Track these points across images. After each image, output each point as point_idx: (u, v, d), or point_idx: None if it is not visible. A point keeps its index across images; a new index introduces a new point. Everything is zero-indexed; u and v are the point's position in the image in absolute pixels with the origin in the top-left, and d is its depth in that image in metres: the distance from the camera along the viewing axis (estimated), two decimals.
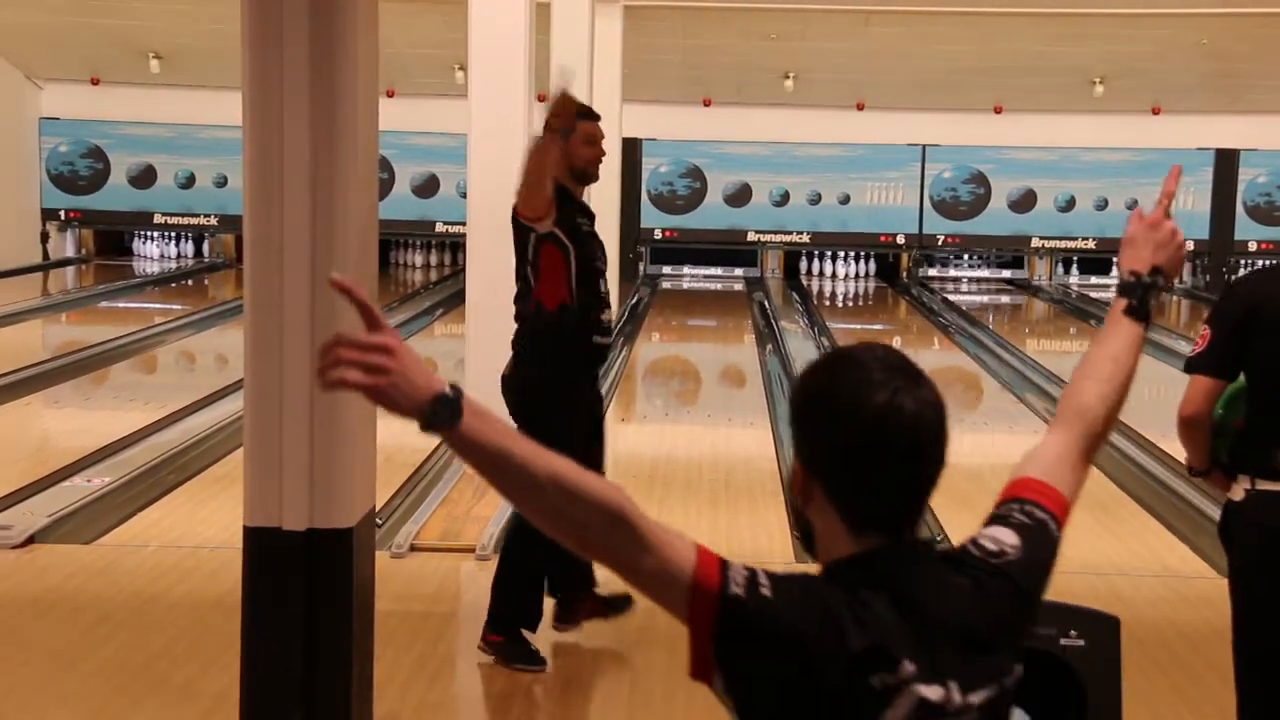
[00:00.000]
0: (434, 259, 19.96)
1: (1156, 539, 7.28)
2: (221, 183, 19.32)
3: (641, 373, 12.64)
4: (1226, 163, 19.20)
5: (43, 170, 19.30)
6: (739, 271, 19.93)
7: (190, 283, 18.75)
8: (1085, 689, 2.84)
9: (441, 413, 1.69)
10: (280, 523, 3.95)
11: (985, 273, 20.32)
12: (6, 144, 18.63)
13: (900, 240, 19.64)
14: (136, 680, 5.11)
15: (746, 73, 18.24)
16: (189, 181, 19.50)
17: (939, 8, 15.99)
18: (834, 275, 20.01)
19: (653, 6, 16.07)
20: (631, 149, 18.08)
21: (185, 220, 19.65)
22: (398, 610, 5.75)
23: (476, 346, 8.12)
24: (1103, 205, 19.31)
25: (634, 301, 16.60)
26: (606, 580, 5.39)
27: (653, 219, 19.55)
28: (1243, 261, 19.15)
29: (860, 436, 1.79)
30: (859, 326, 16.36)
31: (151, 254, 20.08)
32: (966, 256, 20.21)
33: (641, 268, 19.60)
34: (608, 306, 5.43)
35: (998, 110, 19.00)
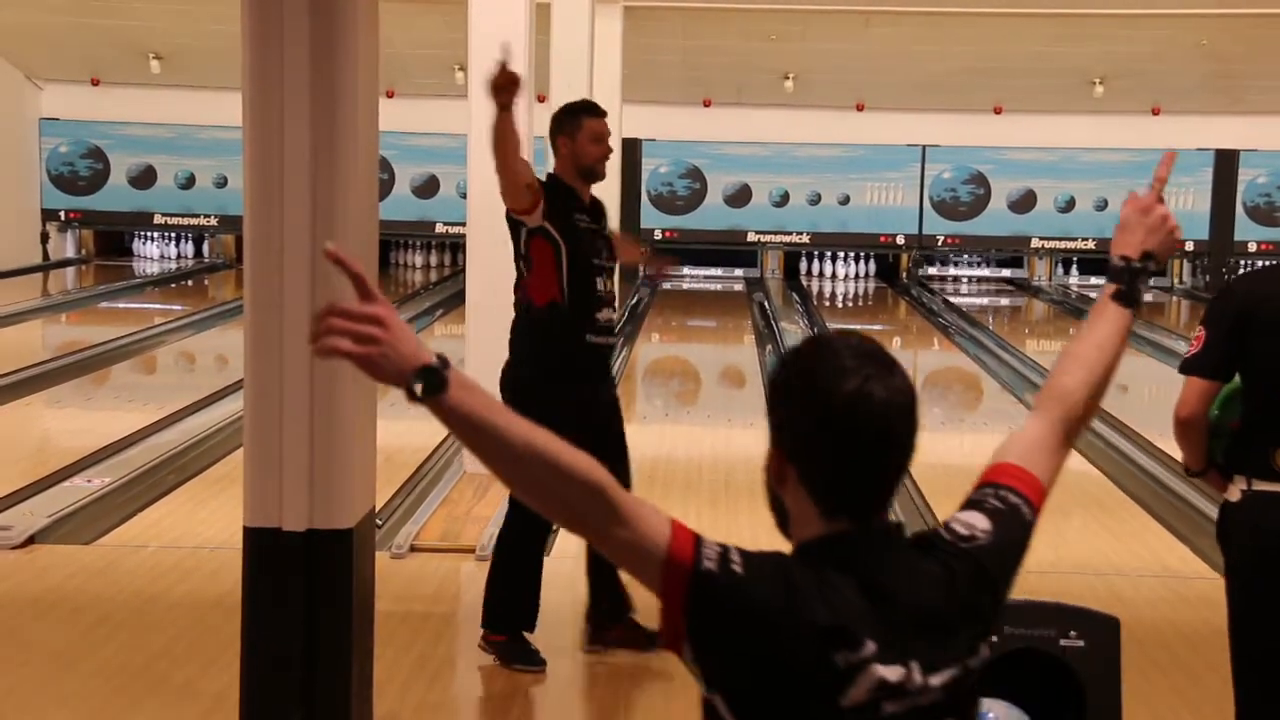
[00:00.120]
0: (434, 259, 19.95)
1: (1156, 539, 7.29)
2: (221, 183, 19.32)
3: (641, 373, 12.64)
4: (1226, 163, 19.20)
5: (43, 171, 19.30)
6: (739, 272, 19.93)
7: (190, 283, 18.75)
8: (1085, 689, 2.85)
9: (428, 383, 1.72)
10: (280, 523, 3.94)
11: (985, 272, 20.33)
12: (6, 144, 18.63)
13: (900, 241, 19.64)
14: (136, 680, 5.11)
15: (746, 73, 18.24)
16: (189, 182, 19.50)
17: (939, 8, 15.99)
18: (834, 276, 20.01)
19: (653, 7, 16.06)
20: (631, 149, 18.08)
21: (185, 221, 19.66)
22: (398, 610, 5.75)
23: (476, 346, 8.11)
24: (1102, 206, 19.30)
25: (634, 302, 16.60)
26: (645, 607, 5.30)
27: (653, 219, 19.54)
28: (1242, 262, 19.15)
29: (831, 422, 1.82)
30: (859, 327, 16.33)
31: (151, 254, 20.08)
32: (966, 256, 20.21)
33: (641, 268, 19.58)
34: (608, 305, 5.32)
35: (997, 111, 19.00)
